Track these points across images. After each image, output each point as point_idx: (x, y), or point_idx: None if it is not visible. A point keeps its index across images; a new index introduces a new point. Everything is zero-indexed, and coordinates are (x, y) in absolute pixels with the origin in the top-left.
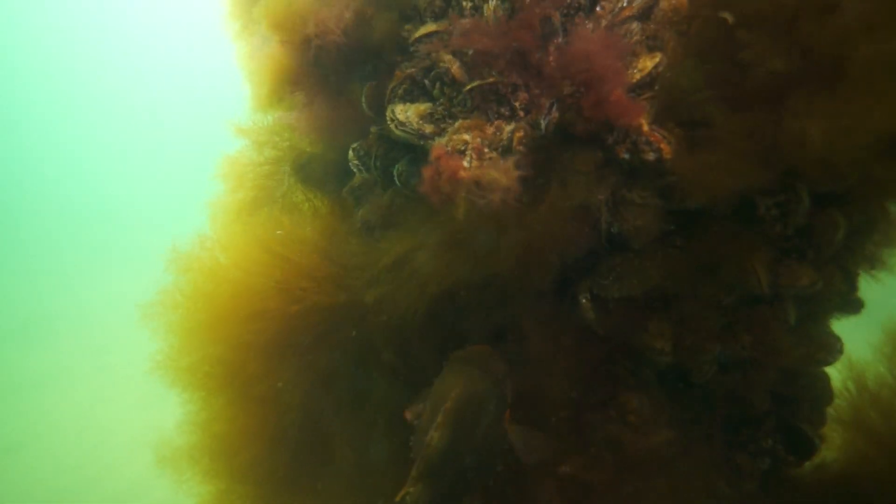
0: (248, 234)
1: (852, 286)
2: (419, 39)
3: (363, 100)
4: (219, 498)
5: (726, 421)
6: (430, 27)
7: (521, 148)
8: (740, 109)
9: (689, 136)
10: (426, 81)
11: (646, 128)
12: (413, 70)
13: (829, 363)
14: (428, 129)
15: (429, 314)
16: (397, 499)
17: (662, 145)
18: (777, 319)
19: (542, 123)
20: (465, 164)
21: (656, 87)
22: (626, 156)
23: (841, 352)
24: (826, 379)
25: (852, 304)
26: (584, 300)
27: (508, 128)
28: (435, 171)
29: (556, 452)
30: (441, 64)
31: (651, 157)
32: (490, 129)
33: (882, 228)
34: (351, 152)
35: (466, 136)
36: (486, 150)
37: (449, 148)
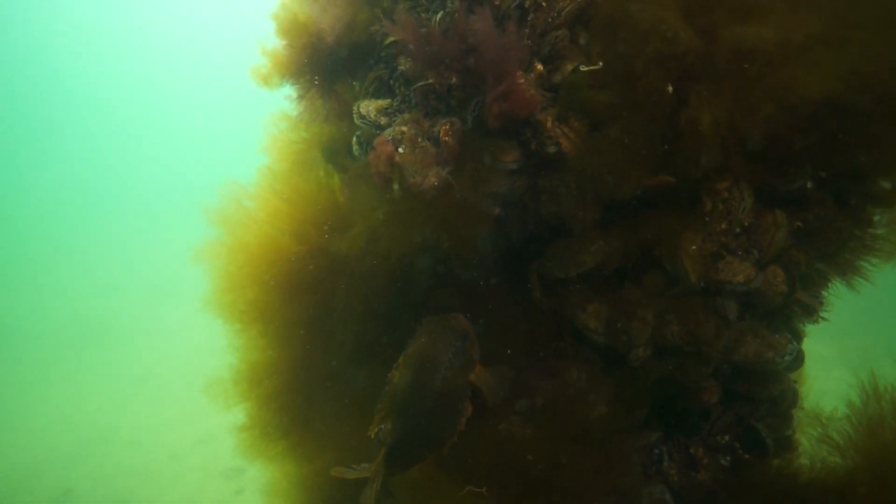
0: (274, 193)
1: (794, 287)
2: (387, 46)
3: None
4: (249, 422)
5: (684, 412)
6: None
7: (447, 139)
8: (637, 107)
9: (591, 134)
10: (391, 81)
11: (549, 124)
12: (382, 71)
13: (780, 365)
14: (383, 121)
15: (400, 275)
16: (370, 432)
17: (562, 140)
18: (708, 312)
19: (469, 118)
20: (400, 150)
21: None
22: (533, 147)
23: (799, 359)
24: (789, 382)
25: (808, 310)
26: (532, 280)
27: (441, 121)
28: (376, 155)
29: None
30: (399, 66)
31: (552, 149)
32: (426, 123)
33: (857, 236)
34: (353, 138)
35: (405, 128)
36: (419, 139)
37: (389, 137)
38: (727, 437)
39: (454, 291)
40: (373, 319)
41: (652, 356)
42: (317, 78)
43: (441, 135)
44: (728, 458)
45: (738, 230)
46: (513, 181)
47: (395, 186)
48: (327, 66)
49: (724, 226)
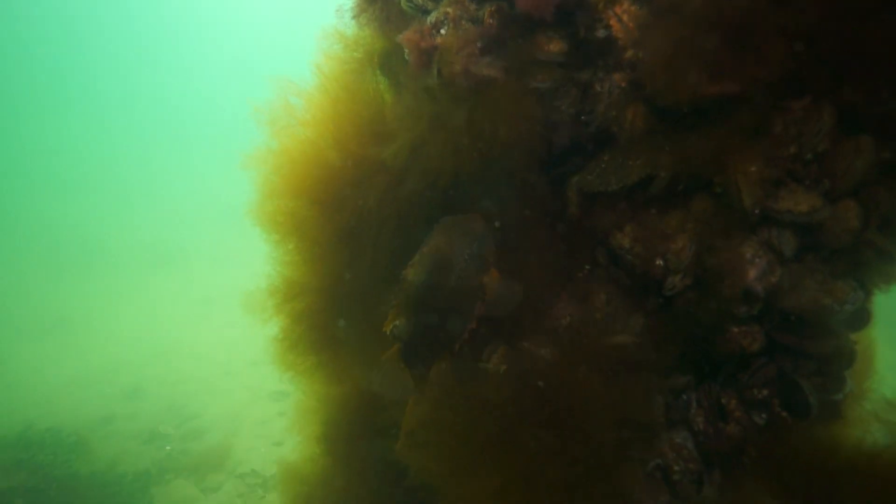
0: (323, 92)
1: (867, 225)
2: None
3: None
4: (282, 334)
5: (719, 358)
6: None
7: (491, 21)
8: None
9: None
10: None
11: (601, 5)
12: None
13: (838, 315)
14: (429, 5)
15: (436, 188)
16: (385, 329)
17: (613, 22)
18: (759, 244)
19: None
20: (442, 31)
21: None
22: (582, 34)
23: (863, 317)
24: (846, 339)
25: (884, 257)
26: (570, 194)
27: (487, 5)
28: (412, 35)
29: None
30: None
31: (601, 33)
32: (471, 6)
33: None
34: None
35: (449, 9)
36: (462, 21)
37: (433, 19)
38: (765, 392)
39: (490, 204)
40: (405, 234)
41: (690, 288)
42: None
43: (486, 17)
44: (763, 415)
45: (808, 157)
46: (557, 75)
47: (434, 73)
48: None
49: (792, 149)
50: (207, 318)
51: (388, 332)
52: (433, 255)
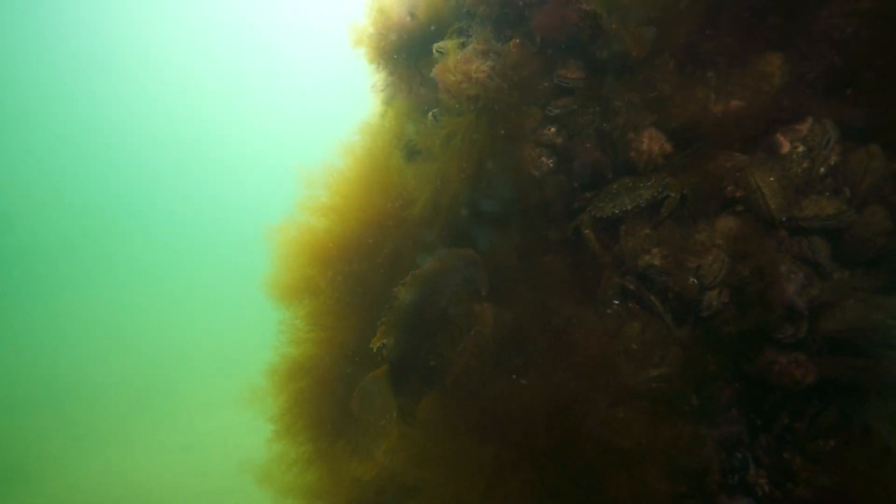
0: (345, 182)
1: None
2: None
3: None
4: (278, 417)
5: (775, 405)
6: None
7: (514, 49)
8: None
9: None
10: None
11: (614, 26)
12: (462, 23)
13: (890, 329)
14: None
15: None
16: (372, 345)
17: (626, 38)
18: (790, 257)
19: (538, 40)
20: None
21: None
22: (600, 55)
23: None
24: None
25: None
26: (586, 231)
27: (510, 42)
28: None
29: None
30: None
31: (616, 47)
32: (497, 44)
33: None
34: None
35: (477, 45)
36: (490, 53)
37: (461, 56)
38: (831, 443)
39: (510, 244)
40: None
41: (727, 307)
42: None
43: (511, 46)
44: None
45: (822, 170)
46: (571, 102)
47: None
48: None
49: (805, 165)
50: (186, 466)
51: (374, 350)
52: (426, 276)
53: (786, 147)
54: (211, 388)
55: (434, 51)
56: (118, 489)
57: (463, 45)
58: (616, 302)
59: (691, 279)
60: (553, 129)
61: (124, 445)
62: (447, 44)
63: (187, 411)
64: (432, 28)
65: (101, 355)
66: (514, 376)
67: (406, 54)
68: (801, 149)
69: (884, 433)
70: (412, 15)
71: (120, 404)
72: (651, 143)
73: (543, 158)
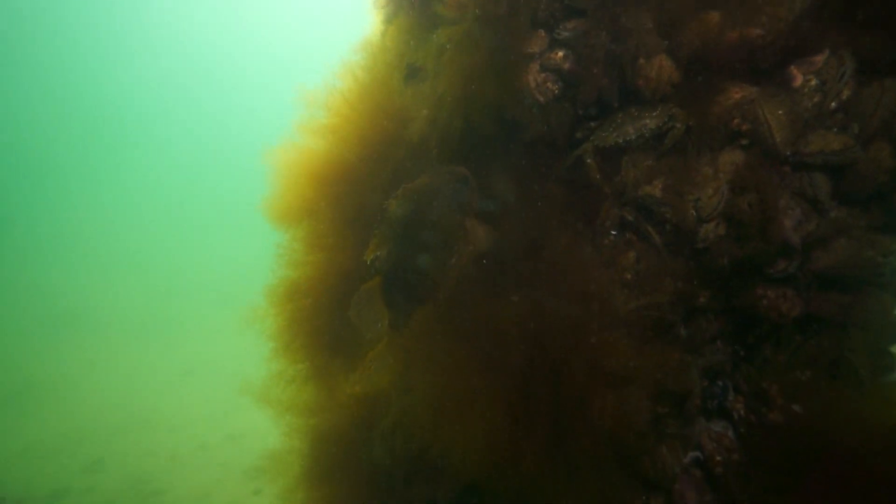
0: (345, 103)
1: None
2: None
3: None
4: (276, 337)
5: (759, 337)
6: None
7: None
8: None
9: None
10: None
11: None
12: None
13: (884, 270)
14: None
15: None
16: (365, 258)
17: None
18: (790, 192)
19: None
20: None
21: None
22: None
23: None
24: (892, 308)
25: None
26: (588, 161)
27: None
28: None
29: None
30: None
31: None
32: None
33: None
34: None
35: None
36: None
37: None
38: (808, 373)
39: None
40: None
41: (723, 239)
42: None
43: None
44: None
45: (833, 105)
46: (583, 23)
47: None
48: None
49: (816, 99)
50: (186, 390)
51: (367, 262)
52: (416, 189)
53: (798, 80)
54: (211, 318)
55: None
56: (123, 411)
57: None
58: (614, 233)
59: (691, 211)
60: (561, 54)
61: (129, 370)
62: None
63: (189, 339)
64: None
65: (107, 282)
66: (506, 295)
67: None
68: (813, 82)
69: (855, 363)
70: None
71: (125, 331)
72: (661, 70)
73: (549, 84)
